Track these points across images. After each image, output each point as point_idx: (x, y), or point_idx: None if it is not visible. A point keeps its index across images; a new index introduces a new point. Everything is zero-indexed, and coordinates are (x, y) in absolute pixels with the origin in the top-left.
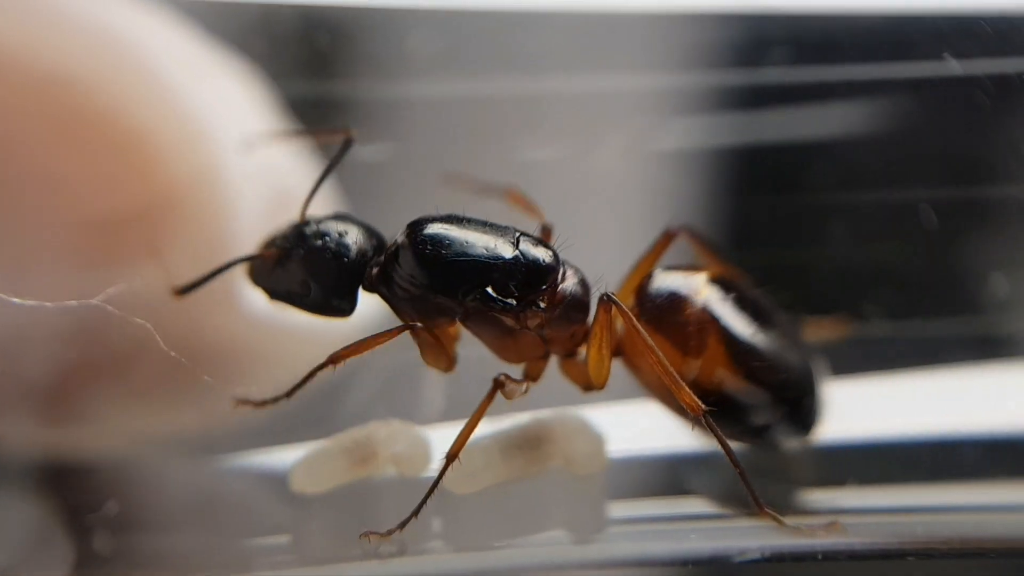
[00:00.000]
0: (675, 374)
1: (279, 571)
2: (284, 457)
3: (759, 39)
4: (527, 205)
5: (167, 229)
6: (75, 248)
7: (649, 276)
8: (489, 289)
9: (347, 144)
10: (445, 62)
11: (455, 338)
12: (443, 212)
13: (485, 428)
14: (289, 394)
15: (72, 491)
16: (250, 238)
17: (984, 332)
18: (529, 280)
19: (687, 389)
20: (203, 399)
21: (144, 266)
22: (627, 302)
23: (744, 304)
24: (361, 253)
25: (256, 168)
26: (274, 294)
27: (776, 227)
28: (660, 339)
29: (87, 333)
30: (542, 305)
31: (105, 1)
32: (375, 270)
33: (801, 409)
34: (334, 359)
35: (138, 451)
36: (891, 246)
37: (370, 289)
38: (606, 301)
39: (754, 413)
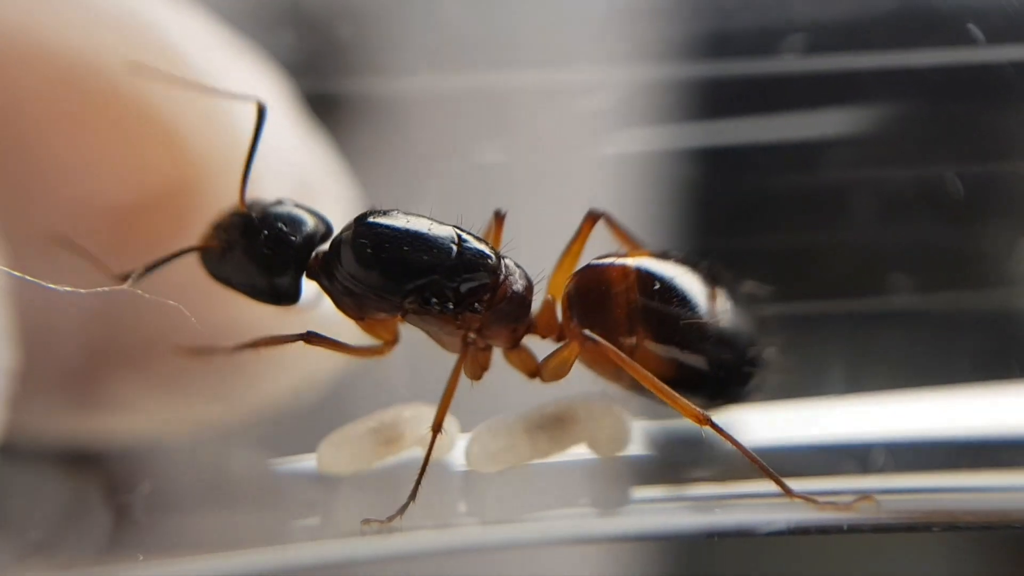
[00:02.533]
0: (671, 391)
1: (305, 545)
2: (310, 441)
3: (777, 25)
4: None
5: (192, 215)
6: (102, 233)
7: (576, 274)
8: (427, 293)
9: (261, 115)
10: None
11: (395, 326)
12: (388, 208)
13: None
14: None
15: (107, 472)
16: None
17: (1008, 305)
18: (467, 286)
19: (685, 401)
20: (228, 387)
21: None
22: (559, 293)
23: (670, 282)
24: (305, 239)
25: (277, 157)
26: (225, 283)
27: (794, 209)
28: (595, 330)
29: (113, 319)
30: (479, 308)
31: None
32: (319, 257)
33: (739, 370)
34: (308, 339)
35: (169, 437)
36: (916, 223)
37: (312, 277)
38: (590, 340)
39: (691, 383)
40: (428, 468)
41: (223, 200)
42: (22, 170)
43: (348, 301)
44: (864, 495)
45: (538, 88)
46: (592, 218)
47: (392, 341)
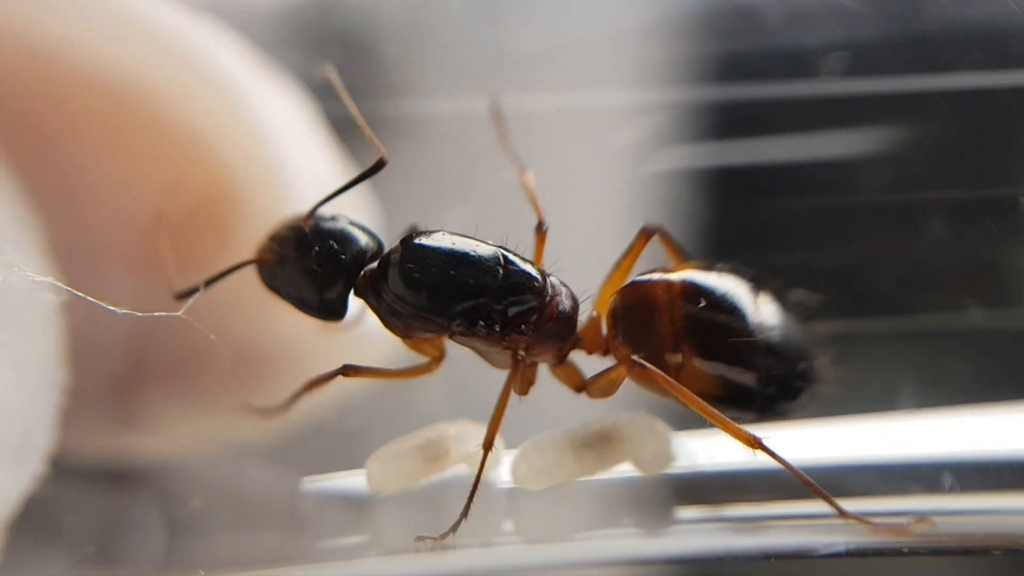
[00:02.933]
0: (721, 416)
1: (355, 561)
2: (355, 459)
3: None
4: (533, 198)
5: (227, 224)
6: (144, 245)
7: (619, 292)
8: (474, 316)
9: (377, 166)
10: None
11: (442, 344)
12: (433, 229)
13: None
14: (292, 400)
15: (158, 487)
16: None
17: None
18: (515, 307)
19: (736, 426)
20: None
21: (209, 267)
22: (603, 310)
23: (716, 296)
24: (355, 257)
25: (312, 175)
26: (276, 294)
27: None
28: (641, 347)
29: (150, 336)
30: (526, 330)
31: (170, 9)
32: (367, 275)
33: (789, 385)
34: (346, 372)
35: (206, 454)
36: (982, 241)
37: (360, 295)
38: (638, 366)
39: (740, 400)
40: (456, 484)
41: (257, 209)
42: (69, 184)
43: (395, 321)
44: (921, 517)
45: (567, 110)
46: (646, 233)
47: (439, 358)
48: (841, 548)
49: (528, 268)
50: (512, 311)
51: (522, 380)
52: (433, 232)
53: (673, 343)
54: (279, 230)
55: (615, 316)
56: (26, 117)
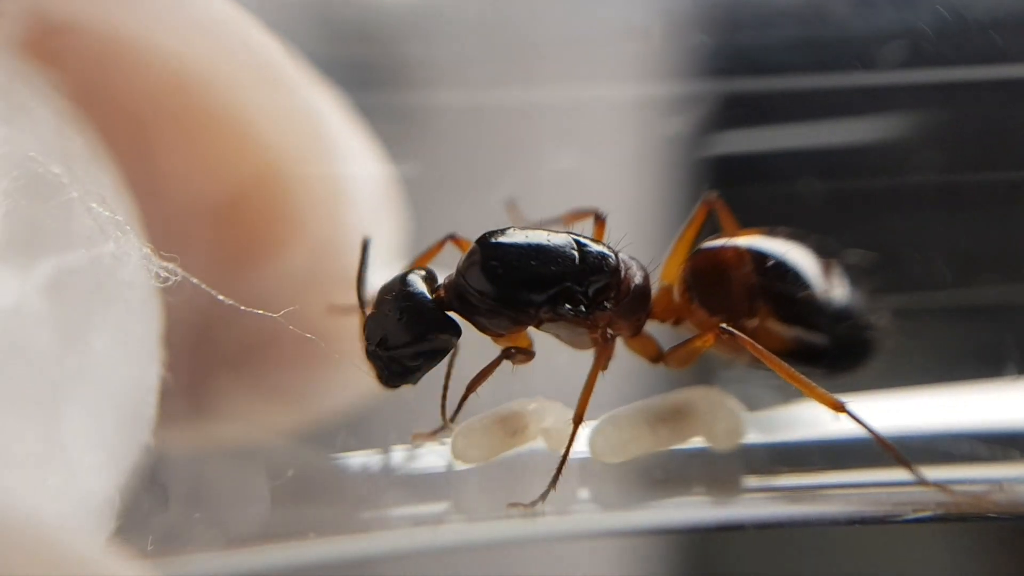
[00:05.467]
0: (807, 381)
1: (441, 527)
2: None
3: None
4: (581, 215)
5: (275, 203)
6: (205, 232)
7: (690, 257)
8: (560, 300)
9: (365, 247)
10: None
11: (528, 335)
12: (507, 228)
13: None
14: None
15: (256, 459)
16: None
17: None
18: (595, 286)
19: (821, 390)
20: (332, 390)
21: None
22: (672, 279)
23: (786, 259)
24: (421, 290)
25: (363, 177)
26: (413, 379)
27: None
28: (716, 312)
29: (215, 326)
30: (608, 307)
31: (228, 4)
32: (442, 292)
33: (854, 346)
34: (508, 355)
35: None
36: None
37: (448, 309)
38: (727, 333)
39: (809, 357)
40: (553, 460)
41: (312, 197)
42: (145, 174)
43: (487, 321)
44: (999, 484)
45: (590, 101)
46: (706, 204)
47: (530, 345)
48: (929, 513)
49: (600, 248)
50: (593, 291)
51: (607, 356)
52: (504, 229)
53: (748, 305)
54: (362, 335)
55: (688, 283)
56: (119, 109)
